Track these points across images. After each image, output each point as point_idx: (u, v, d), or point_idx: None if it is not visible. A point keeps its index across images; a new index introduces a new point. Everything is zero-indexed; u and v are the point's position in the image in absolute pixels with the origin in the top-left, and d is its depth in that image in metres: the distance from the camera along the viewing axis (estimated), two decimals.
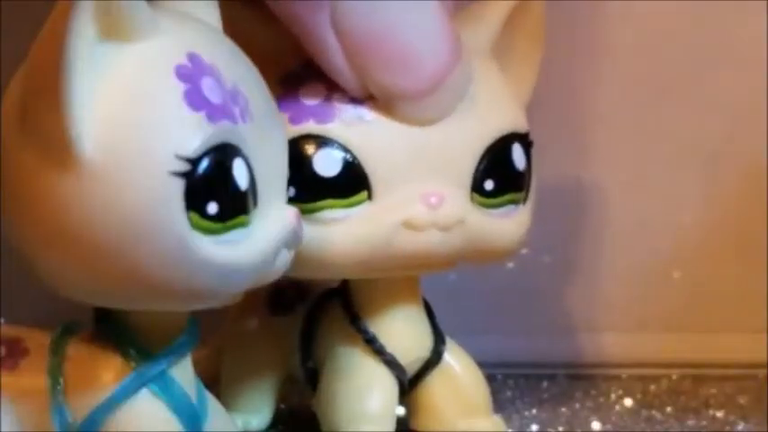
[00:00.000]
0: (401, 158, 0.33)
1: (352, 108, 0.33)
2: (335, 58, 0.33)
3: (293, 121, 0.33)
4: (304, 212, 0.32)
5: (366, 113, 0.33)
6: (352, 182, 0.33)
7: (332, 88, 0.33)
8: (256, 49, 0.31)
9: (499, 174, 0.34)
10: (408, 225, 0.33)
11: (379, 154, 0.33)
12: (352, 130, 0.33)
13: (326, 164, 0.33)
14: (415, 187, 0.33)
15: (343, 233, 0.33)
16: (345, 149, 0.33)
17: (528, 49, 0.37)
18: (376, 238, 0.33)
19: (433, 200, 0.33)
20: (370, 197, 0.33)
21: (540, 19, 0.36)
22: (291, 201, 0.32)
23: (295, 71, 0.34)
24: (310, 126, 0.33)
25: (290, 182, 0.32)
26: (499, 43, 0.36)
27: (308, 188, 0.33)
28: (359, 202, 0.33)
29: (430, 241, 0.33)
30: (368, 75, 0.33)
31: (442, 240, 0.34)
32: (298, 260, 0.31)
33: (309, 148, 0.33)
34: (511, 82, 0.36)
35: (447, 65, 0.33)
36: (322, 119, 0.33)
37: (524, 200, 0.35)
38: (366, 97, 0.33)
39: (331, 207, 0.33)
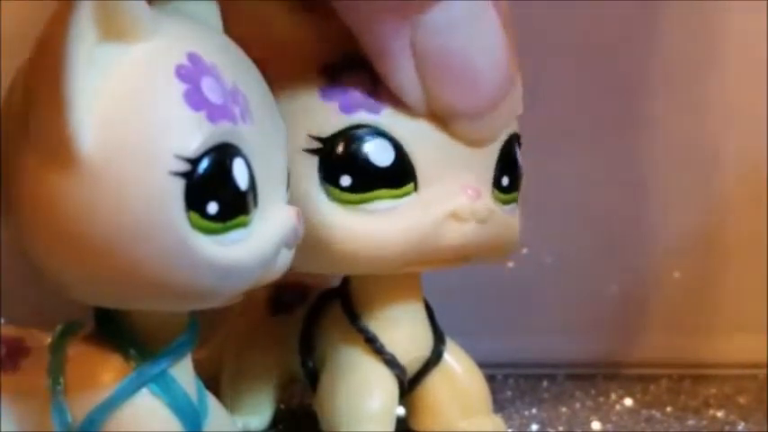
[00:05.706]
0: (441, 151, 0.34)
1: (396, 100, 0.33)
2: (405, 76, 0.33)
3: (345, 110, 0.33)
4: (354, 203, 0.33)
5: (407, 106, 0.33)
6: (403, 172, 0.33)
7: (376, 80, 0.33)
8: (298, 39, 0.32)
9: (510, 171, 0.35)
10: (455, 216, 0.33)
11: (424, 146, 0.33)
12: (399, 122, 0.33)
13: (381, 154, 0.33)
14: (455, 180, 0.34)
15: (393, 224, 0.33)
16: (395, 140, 0.33)
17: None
18: (424, 229, 0.33)
19: (471, 192, 0.34)
20: (416, 188, 0.33)
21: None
22: (345, 190, 0.32)
23: (338, 62, 0.34)
24: (362, 116, 0.33)
25: (344, 171, 0.32)
26: None
27: (363, 178, 0.33)
28: (407, 193, 0.33)
29: (469, 232, 0.34)
30: (433, 92, 0.33)
31: (478, 232, 0.34)
32: (342, 256, 0.32)
33: (365, 138, 0.33)
34: None
35: (507, 85, 0.33)
36: (372, 109, 0.33)
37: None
38: (424, 110, 0.33)
39: (383, 198, 0.33)
